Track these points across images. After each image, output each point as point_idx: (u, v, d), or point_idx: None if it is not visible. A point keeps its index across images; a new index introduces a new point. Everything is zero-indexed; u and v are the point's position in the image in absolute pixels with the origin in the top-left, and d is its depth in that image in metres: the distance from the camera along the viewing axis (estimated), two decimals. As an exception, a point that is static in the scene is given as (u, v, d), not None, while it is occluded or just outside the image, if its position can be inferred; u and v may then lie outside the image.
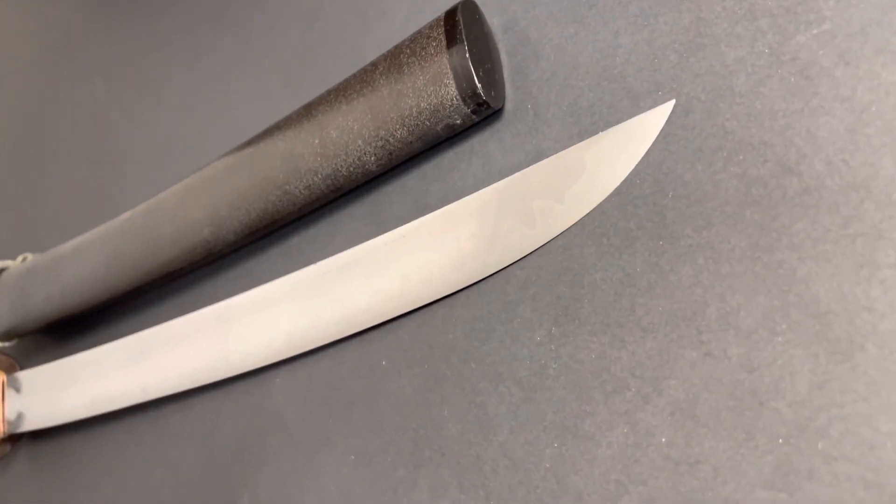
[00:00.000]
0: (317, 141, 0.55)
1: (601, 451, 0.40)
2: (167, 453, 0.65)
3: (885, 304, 0.34)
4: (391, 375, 0.51)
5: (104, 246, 0.69)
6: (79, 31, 1.02)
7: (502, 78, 0.51)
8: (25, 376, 0.77)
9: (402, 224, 0.52)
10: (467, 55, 0.48)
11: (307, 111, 0.57)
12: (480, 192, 0.48)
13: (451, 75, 0.48)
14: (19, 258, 0.84)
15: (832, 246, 0.36)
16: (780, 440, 0.35)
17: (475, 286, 0.48)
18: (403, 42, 0.52)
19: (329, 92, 0.56)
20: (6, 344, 0.81)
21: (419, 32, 0.51)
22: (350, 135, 0.53)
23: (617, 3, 0.46)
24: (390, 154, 0.52)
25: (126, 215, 0.69)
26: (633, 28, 0.45)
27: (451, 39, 0.49)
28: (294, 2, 0.70)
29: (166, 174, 0.78)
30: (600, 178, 0.44)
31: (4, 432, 0.76)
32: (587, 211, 0.44)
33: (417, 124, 0.50)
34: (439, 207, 0.50)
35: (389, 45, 0.54)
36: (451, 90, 0.48)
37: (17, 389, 0.77)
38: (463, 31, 0.49)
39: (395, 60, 0.52)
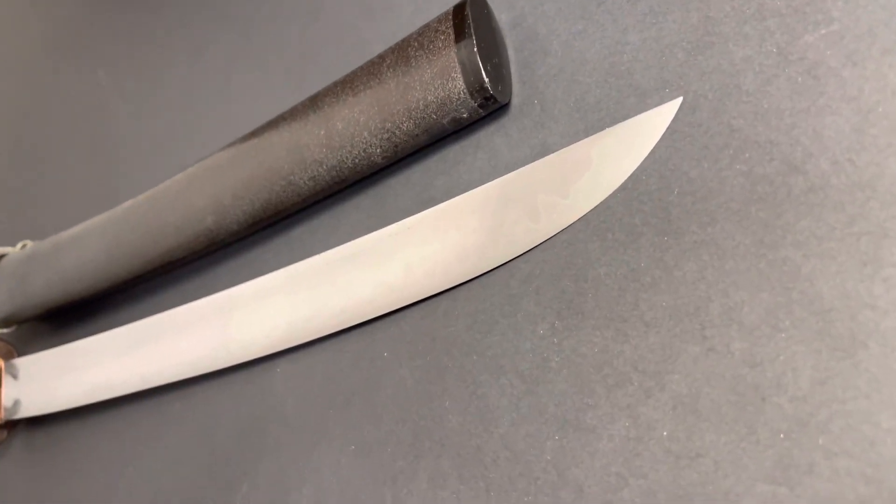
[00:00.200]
0: (322, 132, 0.55)
1: (602, 443, 0.40)
2: (166, 442, 0.65)
3: (888, 302, 0.34)
4: (392, 367, 0.51)
5: (106, 233, 0.69)
6: (81, 21, 1.02)
7: (509, 73, 0.51)
8: (23, 363, 0.77)
9: (406, 217, 0.52)
10: (475, 49, 0.48)
11: (313, 103, 0.57)
12: (485, 185, 0.48)
13: (458, 69, 0.49)
14: (19, 245, 0.83)
15: (836, 244, 0.36)
16: (782, 435, 0.35)
17: (478, 279, 0.49)
18: (411, 35, 0.52)
19: (335, 84, 0.56)
20: (4, 330, 0.81)
21: (427, 26, 0.52)
22: (356, 127, 0.53)
23: (626, 1, 0.47)
24: (396, 147, 0.53)
25: (128, 203, 0.69)
26: (641, 26, 0.46)
27: (460, 33, 0.49)
28: (300, -6, 0.70)
29: (167, 165, 0.78)
30: (606, 174, 0.44)
31: (1, 419, 0.76)
32: (592, 206, 0.44)
33: (424, 117, 0.51)
34: (443, 201, 0.50)
35: (395, 39, 0.54)
36: (459, 84, 0.49)
37: (15, 376, 0.77)
38: (471, 25, 0.49)
39: (402, 53, 0.52)
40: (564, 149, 0.46)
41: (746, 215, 0.39)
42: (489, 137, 0.51)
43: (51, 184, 0.95)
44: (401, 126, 0.52)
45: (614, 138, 0.44)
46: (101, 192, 0.87)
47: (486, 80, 0.48)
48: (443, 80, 0.49)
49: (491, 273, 0.48)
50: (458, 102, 0.49)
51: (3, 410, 0.76)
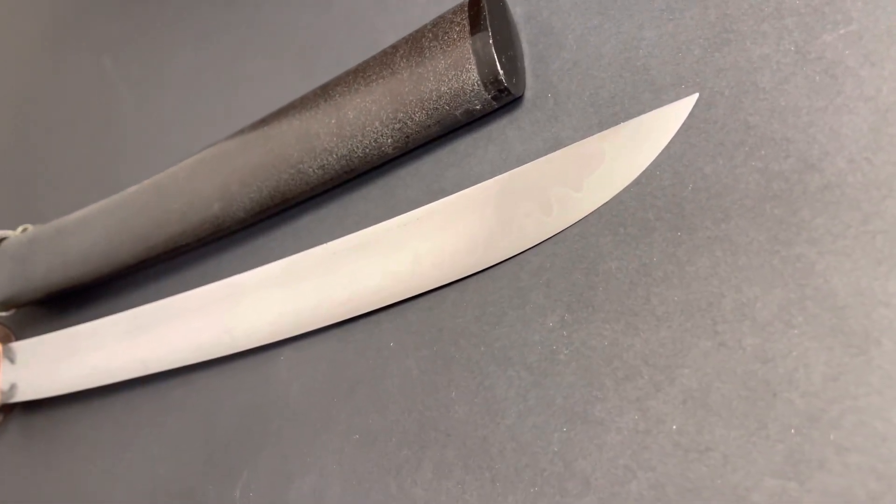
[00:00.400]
0: (333, 121, 0.55)
1: (610, 436, 0.40)
2: (166, 428, 0.65)
3: (903, 300, 0.34)
4: (398, 357, 0.51)
5: (109, 218, 0.69)
6: (86, 6, 1.02)
7: (523, 66, 0.51)
8: (21, 346, 0.76)
9: (414, 208, 0.52)
10: (490, 41, 0.48)
11: (324, 91, 0.57)
12: (497, 177, 0.48)
13: (473, 60, 0.49)
14: (19, 228, 0.83)
15: (852, 242, 0.36)
16: (793, 430, 0.35)
17: (487, 271, 0.49)
18: (425, 26, 0.52)
19: (347, 73, 0.56)
20: (3, 314, 0.81)
21: (442, 17, 0.52)
22: (367, 116, 0.53)
23: (642, -3, 0.47)
24: (407, 137, 0.53)
25: (133, 189, 0.69)
26: (657, 22, 0.46)
27: (475, 25, 0.49)
28: (311, -16, 0.70)
29: (171, 152, 0.77)
30: (620, 168, 0.44)
31: (-3, 402, 0.76)
32: (605, 200, 0.44)
33: (437, 108, 0.51)
34: (453, 192, 0.50)
35: (408, 30, 0.54)
36: (473, 75, 0.49)
37: (12, 360, 0.76)
38: (487, 17, 0.49)
39: (416, 44, 0.52)
40: (578, 142, 0.46)
41: (761, 212, 0.39)
42: (501, 130, 0.51)
43: (53, 169, 0.95)
44: (413, 116, 0.52)
45: (629, 133, 0.44)
46: (104, 179, 0.86)
47: (501, 72, 0.48)
48: (457, 71, 0.49)
49: (500, 265, 0.48)
50: (472, 94, 0.49)
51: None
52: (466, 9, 0.50)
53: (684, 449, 0.38)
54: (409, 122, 0.52)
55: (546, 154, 0.47)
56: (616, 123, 0.45)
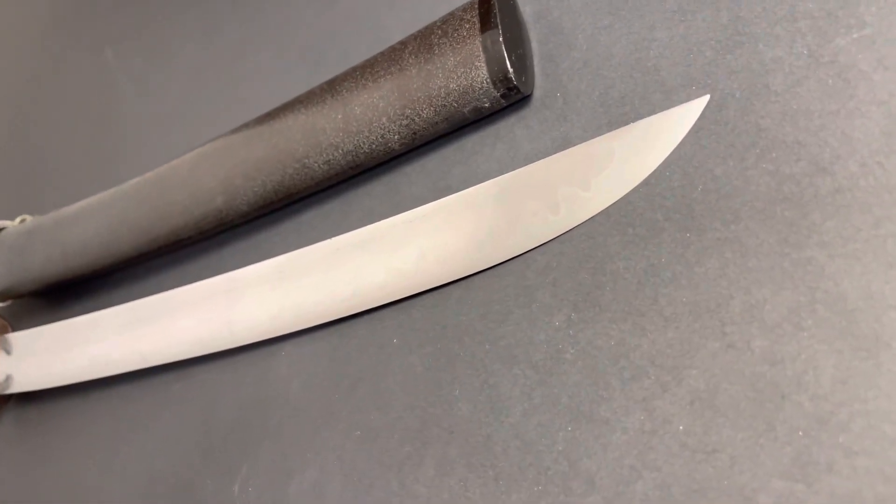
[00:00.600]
0: (340, 116, 0.55)
1: (616, 436, 0.40)
2: (164, 421, 0.64)
3: (913, 305, 0.34)
4: (401, 353, 0.51)
5: (110, 210, 0.69)
6: (89, -3, 1.02)
7: (532, 65, 0.51)
8: (17, 337, 0.76)
9: (419, 205, 0.52)
10: (500, 39, 0.48)
11: (331, 86, 0.57)
12: (505, 175, 0.48)
13: (483, 58, 0.49)
14: (17, 219, 0.83)
15: (862, 245, 0.36)
16: (801, 432, 0.35)
17: (493, 269, 0.49)
18: (434, 23, 0.52)
19: (355, 69, 0.56)
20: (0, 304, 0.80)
21: (452, 14, 0.52)
22: (375, 112, 0.53)
23: (654, -2, 0.47)
24: (414, 133, 0.53)
25: (135, 181, 0.68)
26: (669, 23, 0.46)
27: (486, 23, 0.49)
28: (318, -22, 0.70)
29: (173, 146, 0.77)
30: (629, 168, 0.44)
31: (-9, 393, 0.75)
32: (614, 200, 0.44)
33: (445, 105, 0.50)
34: (459, 190, 0.50)
35: (415, 26, 0.54)
36: (482, 73, 0.49)
37: (8, 351, 0.76)
38: (497, 14, 0.49)
39: (425, 41, 0.52)
40: (587, 141, 0.46)
41: (771, 214, 0.39)
42: (509, 128, 0.51)
43: (52, 161, 0.94)
44: (420, 113, 0.51)
45: (639, 133, 0.44)
46: (104, 172, 0.86)
47: (511, 69, 0.48)
48: (466, 68, 0.49)
49: (506, 263, 0.48)
50: (481, 91, 0.49)
51: (-7, 385, 0.75)
52: (477, 6, 0.50)
53: (691, 450, 0.38)
54: (416, 118, 0.52)
55: (554, 153, 0.47)
56: (626, 124, 0.45)
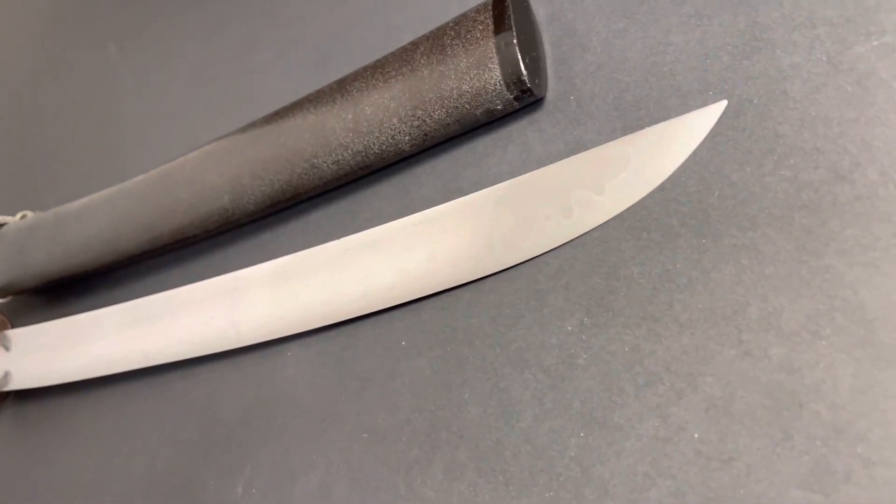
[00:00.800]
0: (350, 116, 0.54)
1: (630, 442, 0.40)
2: (166, 421, 0.64)
3: (934, 315, 0.34)
4: (410, 356, 0.51)
5: (114, 207, 0.68)
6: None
7: (545, 68, 0.51)
8: (16, 334, 0.75)
9: (428, 206, 0.51)
10: (514, 41, 0.48)
11: (341, 86, 0.56)
12: (518, 178, 0.48)
13: (496, 60, 0.48)
14: (18, 215, 0.82)
15: (882, 254, 0.36)
16: (818, 442, 0.35)
17: (504, 272, 0.48)
18: (447, 24, 0.52)
19: (365, 69, 0.56)
20: (-1, 300, 0.80)
21: (465, 15, 0.51)
22: (385, 112, 0.53)
23: (670, 2, 0.47)
24: (425, 135, 0.52)
25: (139, 178, 0.68)
26: (685, 27, 0.45)
27: (499, 24, 0.49)
28: (327, -22, 0.69)
29: (176, 143, 0.77)
30: (644, 173, 0.44)
31: (-10, 390, 0.74)
32: (628, 205, 0.44)
33: (457, 107, 0.50)
34: (470, 192, 0.50)
35: (425, 26, 0.54)
36: (496, 75, 0.48)
37: (7, 347, 0.75)
38: (511, 16, 0.49)
39: (437, 42, 0.52)
40: (602, 145, 0.45)
41: (789, 221, 0.39)
42: (521, 131, 0.51)
43: (53, 156, 0.93)
44: (432, 114, 0.51)
45: (655, 137, 0.44)
46: (106, 168, 0.85)
47: (524, 72, 0.47)
48: (479, 70, 0.49)
49: (518, 266, 0.48)
50: (494, 93, 0.49)
51: (-8, 382, 0.74)
52: (491, 7, 0.50)
53: (706, 457, 0.38)
54: (427, 119, 0.51)
55: (567, 157, 0.47)
56: (641, 128, 0.45)
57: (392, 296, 0.52)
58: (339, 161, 0.55)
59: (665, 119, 0.44)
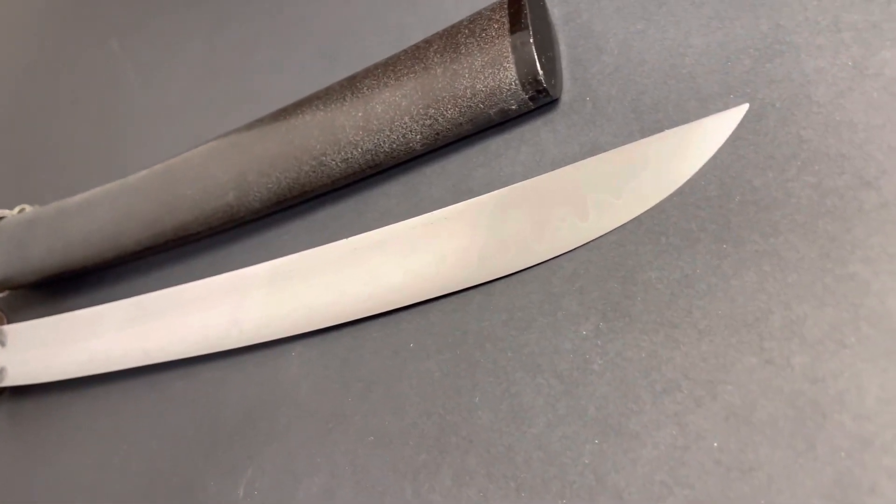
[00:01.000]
0: (360, 114, 0.54)
1: (646, 450, 0.39)
2: (166, 420, 0.63)
3: (964, 325, 0.33)
4: (418, 358, 0.50)
5: (116, 202, 0.67)
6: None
7: (561, 68, 0.50)
8: (13, 329, 0.74)
9: (438, 207, 0.51)
10: (531, 40, 0.47)
11: (351, 84, 0.56)
12: (533, 179, 0.47)
13: (512, 59, 0.48)
14: (16, 209, 0.81)
15: (910, 263, 0.35)
16: (843, 453, 0.34)
17: (517, 274, 0.48)
18: (461, 22, 0.51)
19: (376, 66, 0.55)
20: (-4, 295, 0.79)
21: (479, 13, 0.51)
22: (397, 111, 0.52)
23: (689, 4, 0.46)
24: (437, 134, 0.51)
25: (143, 173, 0.67)
26: (705, 29, 0.45)
27: (515, 23, 0.48)
28: (336, -26, 0.69)
29: (178, 140, 0.76)
30: (663, 176, 0.43)
31: (-16, 386, 0.73)
32: (646, 208, 0.43)
33: (470, 106, 0.49)
34: (481, 193, 0.49)
35: (437, 24, 0.53)
36: (511, 74, 0.48)
37: (3, 343, 0.74)
38: (528, 15, 0.48)
39: (451, 40, 0.51)
40: (620, 147, 0.45)
41: (813, 228, 0.38)
42: (535, 132, 0.50)
43: (53, 150, 0.92)
44: (445, 113, 0.50)
45: (674, 140, 0.43)
46: (106, 164, 0.84)
47: (541, 72, 0.47)
48: (494, 69, 0.48)
49: (531, 269, 0.47)
50: (509, 93, 0.48)
51: (-14, 378, 0.73)
52: (507, 6, 0.49)
53: (726, 467, 0.37)
54: (440, 118, 0.51)
55: (583, 159, 0.46)
56: (659, 131, 0.44)
57: (400, 297, 0.51)
58: (348, 159, 0.54)
59: (684, 122, 0.44)
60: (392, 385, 0.51)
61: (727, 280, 0.40)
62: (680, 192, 0.43)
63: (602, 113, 0.47)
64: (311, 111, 0.57)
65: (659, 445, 0.39)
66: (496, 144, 0.52)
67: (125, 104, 0.86)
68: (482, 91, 0.49)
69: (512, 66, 0.48)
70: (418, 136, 0.52)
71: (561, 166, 0.47)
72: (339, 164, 0.55)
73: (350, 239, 0.53)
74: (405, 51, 0.54)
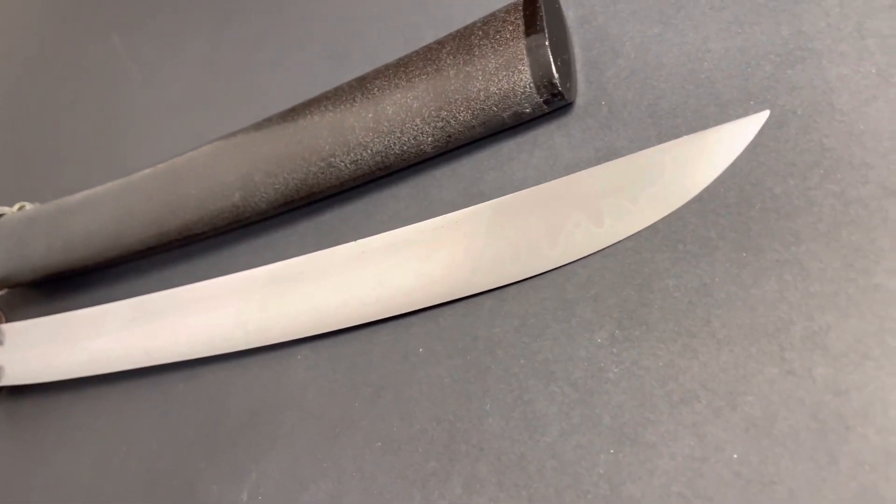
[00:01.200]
0: (370, 115, 0.53)
1: (663, 461, 0.39)
2: (167, 422, 0.62)
3: None
4: (428, 363, 0.49)
5: (119, 200, 0.67)
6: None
7: (575, 71, 0.50)
8: (11, 328, 0.73)
9: (448, 210, 0.50)
10: (546, 43, 0.46)
11: (361, 84, 0.55)
12: (547, 183, 0.46)
13: (526, 62, 0.47)
14: (16, 206, 0.80)
15: (936, 274, 0.35)
16: (867, 467, 0.34)
17: (529, 280, 0.47)
18: (475, 23, 0.51)
19: (387, 67, 0.54)
20: (-6, 293, 0.78)
21: (493, 15, 0.50)
22: (408, 113, 0.51)
23: (708, 8, 0.45)
24: (449, 136, 0.51)
25: (146, 171, 0.66)
26: (725, 34, 0.44)
27: (531, 25, 0.47)
28: (345, -27, 0.68)
29: (182, 138, 0.75)
30: (681, 183, 0.42)
31: (-18, 386, 0.72)
32: (663, 215, 0.43)
33: (483, 109, 0.49)
34: (493, 197, 0.49)
35: (447, 25, 0.53)
36: (526, 77, 0.47)
37: (2, 342, 0.73)
38: (543, 17, 0.47)
39: (464, 41, 0.50)
40: (637, 153, 0.44)
41: (836, 237, 0.37)
42: (549, 136, 0.49)
43: (53, 147, 0.91)
44: (457, 116, 0.50)
45: (693, 146, 0.42)
46: (107, 161, 0.83)
47: (556, 75, 0.46)
48: (508, 71, 0.48)
49: (544, 275, 0.46)
50: (523, 96, 0.47)
51: (-16, 377, 0.72)
52: (521, 8, 0.49)
53: (745, 479, 0.36)
54: (452, 121, 0.50)
55: (597, 164, 0.46)
56: (676, 136, 0.44)
57: (410, 301, 0.50)
58: (357, 161, 0.54)
59: (703, 128, 0.43)
60: (401, 390, 0.50)
61: (747, 289, 0.39)
62: (698, 199, 0.42)
63: (618, 117, 0.47)
64: (320, 111, 0.56)
65: (676, 456, 0.39)
66: (509, 148, 0.51)
67: (126, 102, 0.86)
68: (496, 94, 0.48)
69: (527, 68, 0.47)
70: (429, 139, 0.51)
71: (575, 171, 0.46)
72: (348, 165, 0.54)
73: (359, 241, 0.53)
74: (417, 52, 0.53)
